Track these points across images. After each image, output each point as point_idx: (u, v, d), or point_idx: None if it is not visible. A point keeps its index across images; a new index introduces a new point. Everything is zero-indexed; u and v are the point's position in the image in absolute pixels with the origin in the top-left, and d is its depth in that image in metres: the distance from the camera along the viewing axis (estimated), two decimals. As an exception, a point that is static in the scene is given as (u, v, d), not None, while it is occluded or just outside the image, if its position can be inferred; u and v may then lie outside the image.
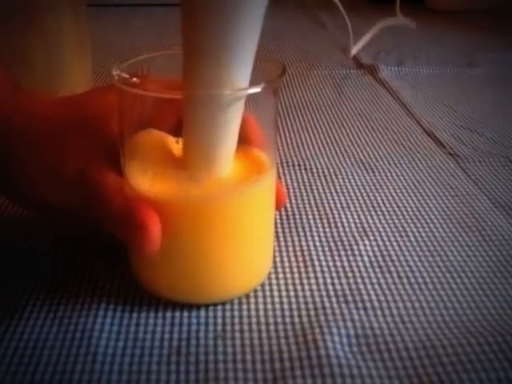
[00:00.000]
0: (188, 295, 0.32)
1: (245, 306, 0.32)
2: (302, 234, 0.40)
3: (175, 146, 0.32)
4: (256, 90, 0.29)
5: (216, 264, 0.31)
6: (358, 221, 0.41)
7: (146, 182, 0.30)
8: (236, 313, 0.32)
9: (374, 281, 0.35)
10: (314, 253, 0.37)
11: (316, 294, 0.33)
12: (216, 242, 0.31)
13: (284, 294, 0.33)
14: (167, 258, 0.31)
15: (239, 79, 0.28)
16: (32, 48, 0.57)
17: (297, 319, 0.31)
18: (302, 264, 0.36)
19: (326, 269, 0.36)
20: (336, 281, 0.35)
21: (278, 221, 0.41)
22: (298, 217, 0.42)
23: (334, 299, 0.33)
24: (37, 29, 0.57)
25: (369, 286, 0.34)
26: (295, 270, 0.36)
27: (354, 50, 0.85)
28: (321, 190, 0.46)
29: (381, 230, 0.40)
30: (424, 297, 0.33)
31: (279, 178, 0.47)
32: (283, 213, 0.42)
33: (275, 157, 0.33)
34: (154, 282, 0.33)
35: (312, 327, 0.31)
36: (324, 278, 0.35)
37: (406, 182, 0.47)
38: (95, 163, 0.31)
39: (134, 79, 0.30)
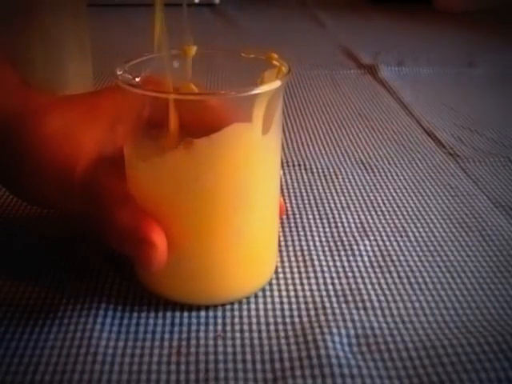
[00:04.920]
0: (193, 296, 0.32)
1: (245, 306, 0.32)
2: (302, 233, 0.40)
3: None
4: (261, 90, 0.28)
5: (220, 266, 0.31)
6: (358, 221, 0.41)
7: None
8: (236, 313, 0.32)
9: (374, 281, 0.35)
10: (314, 253, 0.37)
11: (316, 294, 0.33)
12: (221, 244, 0.31)
13: (284, 293, 0.33)
14: (172, 259, 0.30)
15: None
16: (32, 48, 0.57)
17: (297, 319, 0.31)
18: (302, 264, 0.36)
19: (326, 269, 0.36)
20: (336, 281, 0.35)
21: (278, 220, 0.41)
22: (298, 217, 0.42)
23: (334, 299, 0.33)
24: (37, 29, 0.56)
25: (369, 286, 0.34)
26: (295, 269, 0.36)
27: None
28: (321, 190, 0.46)
29: (381, 229, 0.40)
30: (424, 297, 0.33)
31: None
32: (283, 213, 0.42)
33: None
34: (158, 283, 0.32)
35: (312, 327, 0.31)
36: (324, 277, 0.35)
37: (406, 182, 0.47)
38: (103, 170, 0.30)
39: (137, 79, 0.30)
